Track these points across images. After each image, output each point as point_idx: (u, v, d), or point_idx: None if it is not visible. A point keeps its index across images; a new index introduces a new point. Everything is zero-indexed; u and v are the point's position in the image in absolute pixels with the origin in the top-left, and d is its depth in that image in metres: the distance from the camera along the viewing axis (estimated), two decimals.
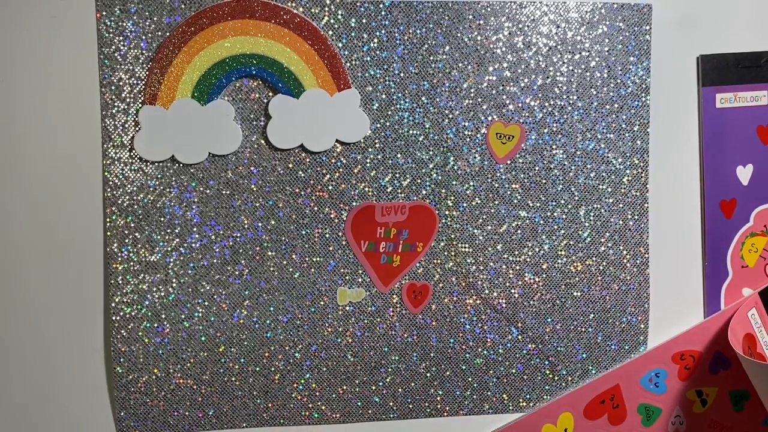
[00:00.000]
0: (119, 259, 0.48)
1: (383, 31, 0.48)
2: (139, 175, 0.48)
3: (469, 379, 0.52)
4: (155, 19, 0.47)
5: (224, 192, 0.49)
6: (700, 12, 0.52)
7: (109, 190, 0.48)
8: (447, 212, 0.50)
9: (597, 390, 0.52)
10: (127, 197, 0.48)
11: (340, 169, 0.49)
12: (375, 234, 0.50)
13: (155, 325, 0.49)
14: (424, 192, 0.50)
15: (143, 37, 0.47)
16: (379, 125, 0.49)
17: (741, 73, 0.52)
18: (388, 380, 0.51)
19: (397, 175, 0.50)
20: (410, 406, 0.52)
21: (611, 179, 0.51)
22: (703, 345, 0.53)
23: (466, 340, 0.51)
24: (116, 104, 0.47)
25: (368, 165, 0.49)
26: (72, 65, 0.47)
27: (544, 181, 0.51)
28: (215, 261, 0.49)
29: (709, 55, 0.52)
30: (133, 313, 0.49)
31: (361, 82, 0.49)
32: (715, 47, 0.52)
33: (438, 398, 0.52)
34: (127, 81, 0.47)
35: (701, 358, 0.53)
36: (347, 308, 0.50)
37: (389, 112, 0.49)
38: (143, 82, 0.47)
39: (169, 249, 0.49)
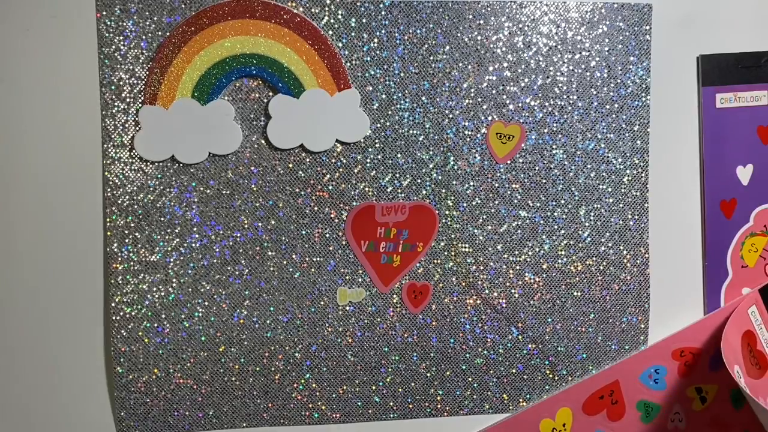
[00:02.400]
0: (119, 259, 0.48)
1: (383, 31, 0.48)
2: (139, 174, 0.48)
3: (470, 379, 0.52)
4: (155, 18, 0.47)
5: (224, 192, 0.49)
6: (700, 12, 0.52)
7: (109, 189, 0.48)
8: (447, 212, 0.50)
9: (596, 385, 0.52)
10: (127, 197, 0.48)
11: (340, 169, 0.49)
12: (375, 234, 0.50)
13: (155, 325, 0.49)
14: (424, 192, 0.50)
15: (143, 37, 0.47)
16: (379, 125, 0.49)
17: (741, 73, 0.52)
18: (388, 380, 0.51)
19: (397, 175, 0.50)
20: (410, 406, 0.52)
21: (611, 179, 0.51)
22: (703, 342, 0.53)
23: (466, 340, 0.51)
24: (116, 104, 0.47)
25: (368, 165, 0.49)
26: (72, 65, 0.47)
27: (544, 181, 0.51)
28: (215, 261, 0.49)
29: (709, 55, 0.52)
30: (133, 313, 0.49)
31: (361, 82, 0.49)
32: (715, 47, 0.52)
33: (438, 398, 0.52)
34: (127, 81, 0.47)
35: (701, 355, 0.53)
36: (347, 308, 0.50)
37: (389, 112, 0.49)
38: (143, 82, 0.47)
39: (169, 249, 0.49)
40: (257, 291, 0.49)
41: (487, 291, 0.51)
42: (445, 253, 0.51)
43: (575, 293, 0.52)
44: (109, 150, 0.48)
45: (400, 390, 0.51)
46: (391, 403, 0.51)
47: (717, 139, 0.52)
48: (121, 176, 0.48)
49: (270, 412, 0.51)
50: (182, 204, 0.48)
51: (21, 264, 0.49)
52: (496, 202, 0.50)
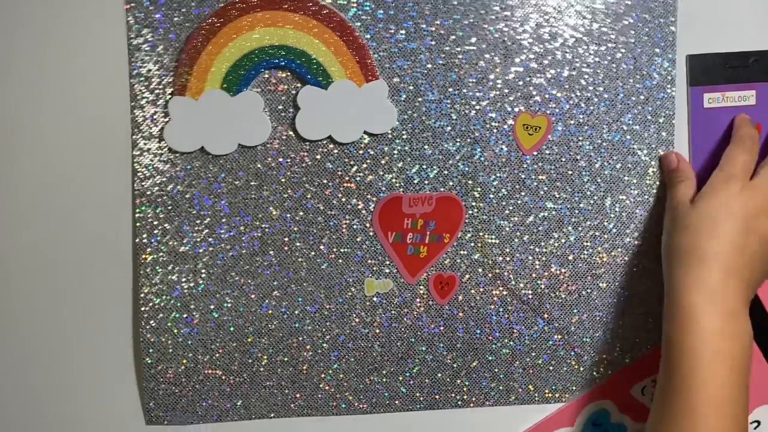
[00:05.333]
0: (148, 249, 0.48)
1: (410, 23, 0.48)
2: (168, 166, 0.48)
3: (496, 370, 0.52)
4: (184, 10, 0.47)
5: (253, 183, 0.49)
6: (688, 11, 0.51)
7: (138, 181, 0.48)
8: (474, 203, 0.50)
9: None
10: (157, 188, 0.48)
11: (368, 161, 0.49)
12: (402, 225, 0.50)
13: (184, 315, 0.49)
14: (450, 183, 0.50)
15: (172, 29, 0.47)
16: (406, 116, 0.49)
17: (729, 73, 0.51)
18: (415, 371, 0.51)
19: (424, 167, 0.50)
20: (437, 397, 0.52)
21: (636, 171, 0.51)
22: None
23: (492, 330, 0.51)
24: (145, 95, 0.48)
25: (395, 156, 0.49)
26: (101, 57, 0.48)
27: (570, 173, 0.51)
28: (244, 252, 0.49)
29: (697, 54, 0.51)
30: (162, 304, 0.49)
31: (389, 74, 0.49)
32: (703, 47, 0.51)
33: (464, 389, 0.52)
34: (156, 72, 0.47)
35: None
36: (374, 299, 0.51)
37: (416, 104, 0.49)
38: (172, 73, 0.47)
39: (199, 240, 0.49)
40: (285, 282, 0.50)
41: (513, 282, 0.51)
42: (472, 245, 0.51)
43: (601, 284, 0.52)
44: (139, 141, 0.48)
45: (426, 381, 0.52)
46: (418, 394, 0.52)
47: (705, 139, 0.52)
48: (150, 167, 0.48)
49: (298, 402, 0.51)
50: (211, 195, 0.49)
51: (50, 255, 0.49)
52: (523, 194, 0.51)
